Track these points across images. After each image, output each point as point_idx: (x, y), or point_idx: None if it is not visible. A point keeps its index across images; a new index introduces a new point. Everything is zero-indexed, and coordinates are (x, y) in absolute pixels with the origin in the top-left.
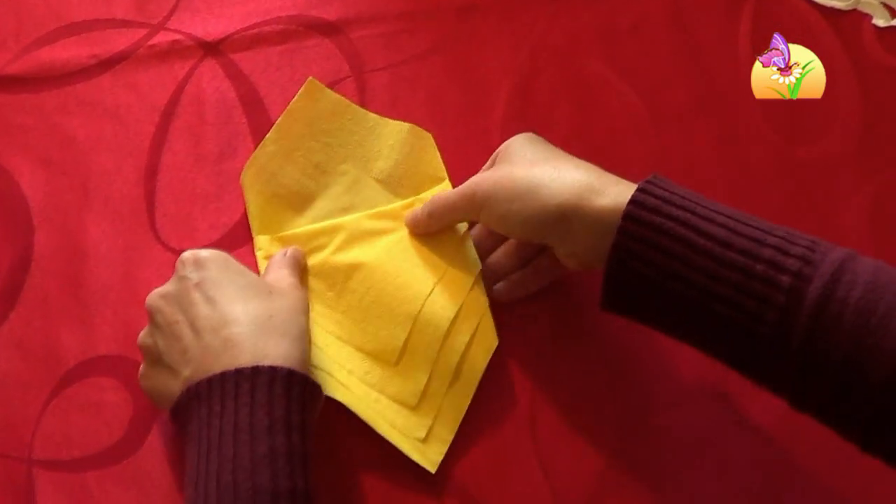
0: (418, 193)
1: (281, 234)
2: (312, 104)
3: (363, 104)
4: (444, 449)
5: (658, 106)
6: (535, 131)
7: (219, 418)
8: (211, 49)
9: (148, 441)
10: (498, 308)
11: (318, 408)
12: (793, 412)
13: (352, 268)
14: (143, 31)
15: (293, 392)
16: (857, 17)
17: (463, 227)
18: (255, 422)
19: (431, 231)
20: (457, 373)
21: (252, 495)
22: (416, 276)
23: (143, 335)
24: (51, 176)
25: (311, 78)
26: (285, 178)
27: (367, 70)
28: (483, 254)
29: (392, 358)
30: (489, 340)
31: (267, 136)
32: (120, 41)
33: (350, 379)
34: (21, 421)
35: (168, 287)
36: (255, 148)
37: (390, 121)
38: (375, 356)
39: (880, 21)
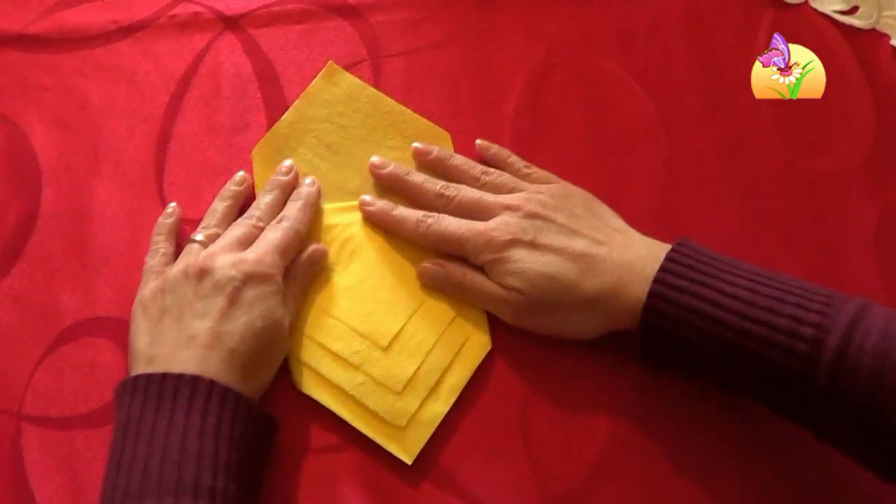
0: None
1: None
2: (330, 87)
3: (377, 88)
4: (424, 440)
5: (669, 109)
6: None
7: (154, 412)
8: (231, 23)
9: None
10: None
11: (262, 433)
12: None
13: (356, 250)
14: (165, 1)
15: (229, 407)
16: (875, 36)
17: None
18: (189, 424)
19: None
20: (446, 370)
21: (175, 487)
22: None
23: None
24: (63, 136)
25: (330, 61)
26: (296, 157)
27: (383, 55)
28: None
29: (384, 342)
30: (483, 343)
31: (283, 116)
32: (142, 9)
33: (333, 366)
34: (14, 375)
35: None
36: (268, 124)
37: (408, 111)
38: (366, 336)
39: None
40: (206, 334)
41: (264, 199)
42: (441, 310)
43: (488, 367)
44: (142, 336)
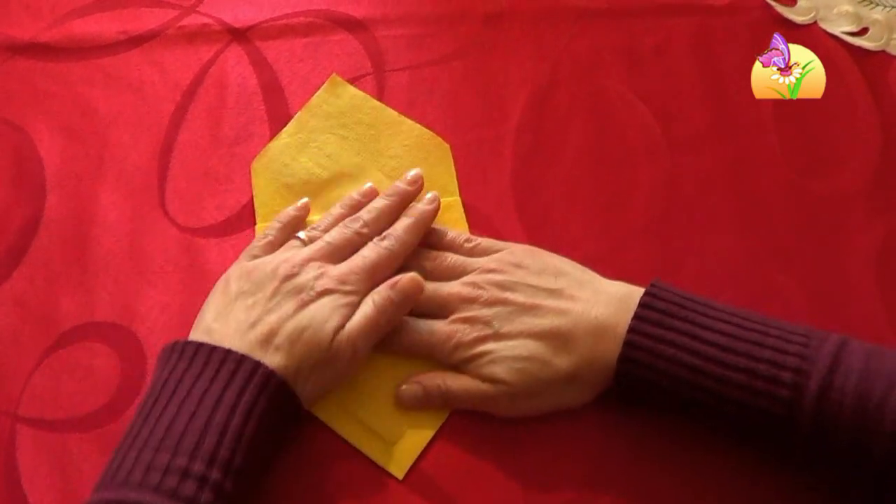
0: None
1: None
2: (333, 99)
3: (381, 102)
4: (416, 454)
5: (673, 129)
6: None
7: (194, 378)
8: (238, 35)
9: (131, 411)
10: None
11: (289, 415)
12: None
13: None
14: (174, 13)
15: (268, 391)
16: (884, 59)
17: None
18: (224, 397)
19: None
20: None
21: (192, 450)
22: None
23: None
24: (69, 143)
25: (334, 74)
26: (296, 167)
27: (388, 69)
28: None
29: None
30: None
31: (284, 128)
32: (151, 20)
33: None
34: (12, 376)
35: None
36: (271, 135)
37: (409, 121)
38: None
39: None
40: (266, 327)
41: (378, 203)
42: None
43: None
44: (212, 308)
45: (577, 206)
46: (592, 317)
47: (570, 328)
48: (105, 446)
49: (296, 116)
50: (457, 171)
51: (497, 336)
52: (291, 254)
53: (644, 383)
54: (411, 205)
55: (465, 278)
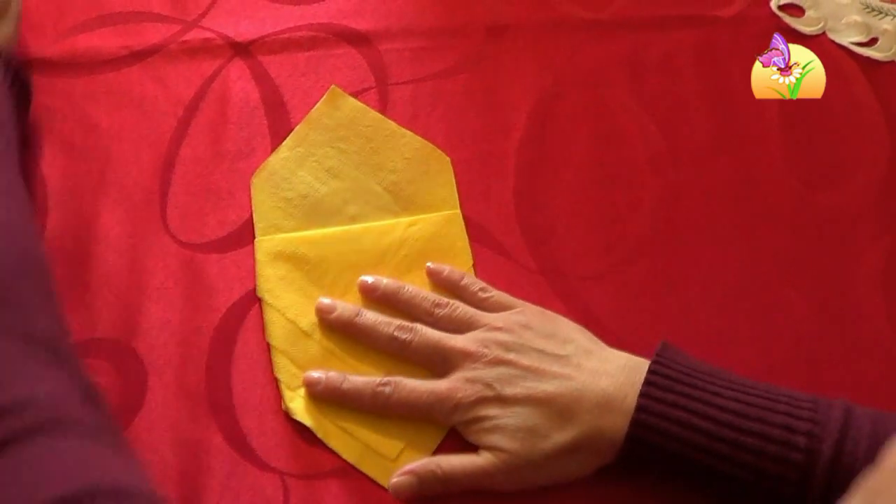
0: (426, 213)
1: (284, 235)
2: (333, 112)
3: (383, 115)
4: None
5: (678, 141)
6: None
7: None
8: (241, 50)
9: (132, 427)
10: None
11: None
12: None
13: (350, 283)
14: (176, 27)
15: None
16: (893, 70)
17: (466, 265)
18: None
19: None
20: None
21: None
22: None
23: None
24: (71, 160)
25: (333, 86)
26: (296, 181)
27: (390, 83)
28: None
29: (377, 372)
30: None
31: (284, 142)
32: (153, 35)
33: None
34: None
35: None
36: (272, 150)
37: (410, 133)
38: (357, 370)
39: None
40: None
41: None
42: None
43: None
44: None
45: (580, 220)
46: (599, 388)
47: (575, 397)
48: None
49: (295, 130)
50: (459, 184)
51: (499, 399)
52: None
53: (655, 449)
54: None
55: (472, 334)
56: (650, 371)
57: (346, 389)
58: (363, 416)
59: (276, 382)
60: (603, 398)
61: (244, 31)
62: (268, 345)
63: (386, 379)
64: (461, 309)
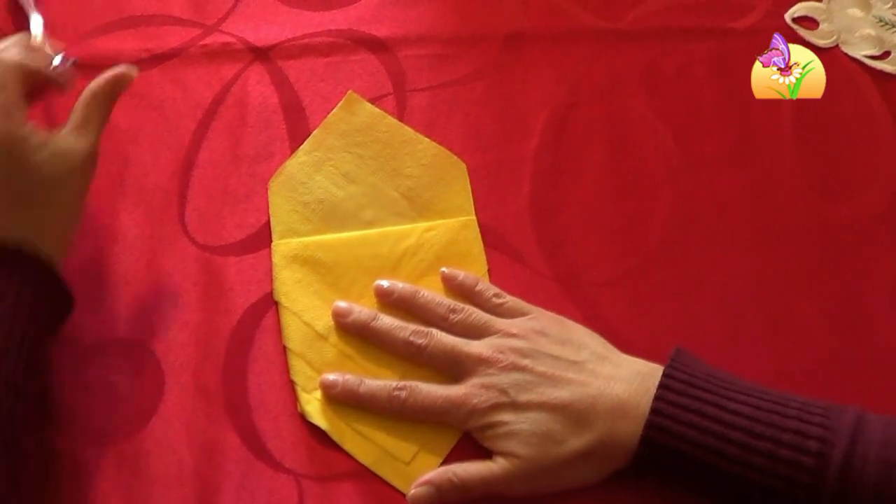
0: (442, 219)
1: (300, 239)
2: (350, 117)
3: (400, 122)
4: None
5: (693, 151)
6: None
7: None
8: (260, 54)
9: (149, 427)
10: None
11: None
12: None
13: (366, 286)
14: (196, 31)
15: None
16: None
17: (481, 271)
18: None
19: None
20: None
21: None
22: None
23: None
24: None
25: (350, 91)
26: (313, 185)
27: (408, 89)
28: None
29: (393, 376)
30: None
31: (301, 146)
32: (174, 38)
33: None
34: None
35: None
36: (290, 154)
37: (426, 139)
38: (372, 373)
39: None
40: None
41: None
42: None
43: None
44: None
45: (595, 228)
46: (614, 394)
47: (589, 403)
48: (122, 462)
49: (312, 134)
50: (475, 191)
51: (514, 405)
52: None
53: (668, 452)
54: None
55: (487, 340)
56: (665, 375)
57: (363, 393)
58: (378, 419)
59: (291, 385)
60: (617, 404)
61: (264, 35)
62: (284, 347)
63: (402, 383)
64: (476, 315)
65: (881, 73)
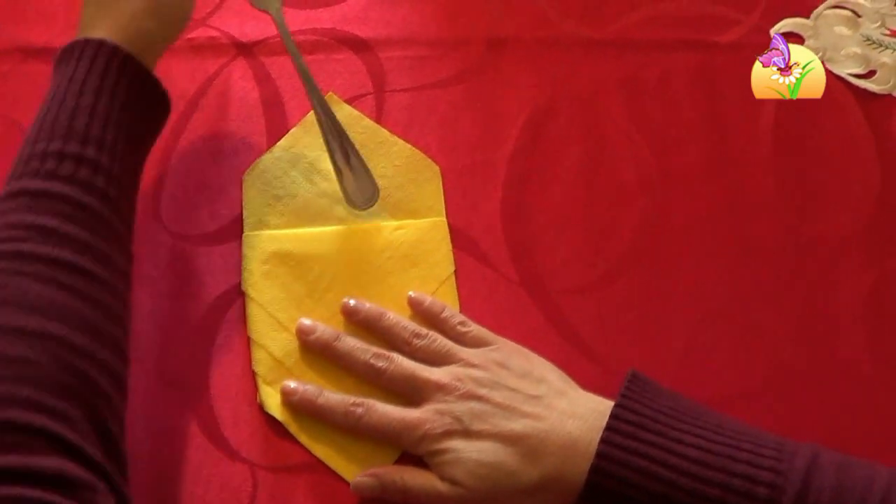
0: (413, 219)
1: (271, 232)
2: None
3: (379, 122)
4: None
5: (669, 163)
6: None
7: (63, 73)
8: (244, 49)
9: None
10: None
11: (153, 101)
12: None
13: (333, 280)
14: None
15: (126, 72)
16: (889, 102)
17: (447, 272)
18: (86, 82)
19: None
20: None
21: (65, 133)
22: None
23: None
24: None
25: (330, 92)
26: (286, 180)
27: (388, 90)
28: None
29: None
30: None
31: (278, 142)
32: None
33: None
34: None
35: None
36: (267, 149)
37: (401, 141)
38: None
39: None
40: None
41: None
42: None
43: None
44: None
45: (565, 234)
46: (566, 431)
47: (541, 438)
48: None
49: (290, 132)
50: (448, 193)
51: (466, 433)
52: None
53: (615, 496)
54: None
55: (447, 368)
56: (612, 416)
57: (320, 404)
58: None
59: (253, 376)
60: (568, 441)
61: (249, 31)
62: (248, 338)
63: (360, 399)
64: (439, 342)
65: (865, 91)
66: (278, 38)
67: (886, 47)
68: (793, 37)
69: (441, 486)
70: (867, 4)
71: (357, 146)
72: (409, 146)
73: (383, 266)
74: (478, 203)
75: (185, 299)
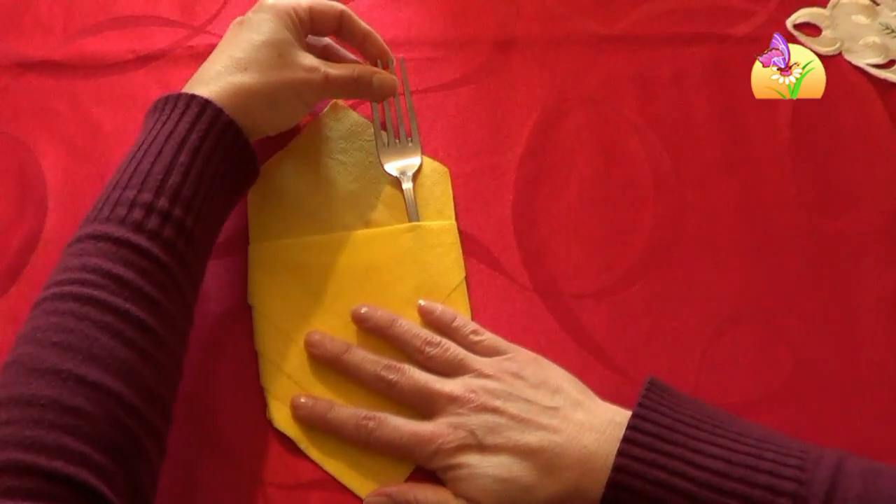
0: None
1: (277, 242)
2: (334, 124)
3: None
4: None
5: (684, 161)
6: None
7: (160, 124)
8: None
9: None
10: None
11: (243, 166)
12: None
13: (341, 289)
14: (183, 32)
15: (218, 129)
16: None
17: (458, 278)
18: (176, 135)
19: None
20: None
21: (142, 181)
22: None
23: None
24: (73, 162)
25: (336, 100)
26: (292, 189)
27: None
28: None
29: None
30: None
31: (283, 150)
32: (160, 39)
33: None
34: None
35: None
36: (271, 157)
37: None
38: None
39: None
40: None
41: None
42: None
43: None
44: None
45: (578, 238)
46: (583, 444)
47: (558, 452)
48: None
49: (295, 139)
50: (457, 197)
51: (480, 447)
52: None
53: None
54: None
55: (460, 380)
56: (629, 427)
57: (331, 419)
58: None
59: (261, 391)
60: (585, 455)
61: None
62: (255, 353)
63: (371, 413)
64: (452, 350)
65: (885, 82)
66: None
67: None
68: (809, 27)
69: (455, 502)
70: None
71: (364, 154)
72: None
73: (392, 272)
74: (488, 207)
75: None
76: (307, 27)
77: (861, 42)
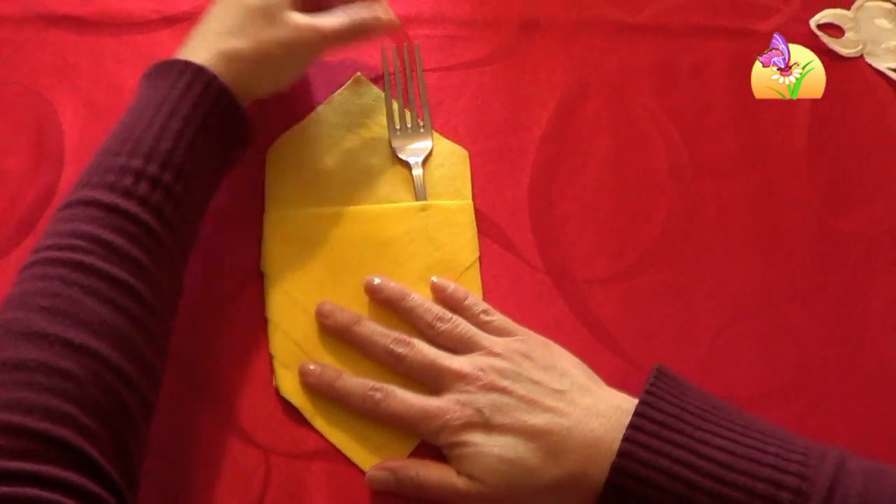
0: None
1: (293, 211)
2: (355, 98)
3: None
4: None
5: (701, 152)
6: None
7: (151, 90)
8: None
9: None
10: None
11: (234, 132)
12: None
13: (354, 261)
14: None
15: (211, 94)
16: None
17: (472, 257)
18: (167, 101)
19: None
20: None
21: (133, 148)
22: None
23: None
24: (91, 118)
25: (358, 73)
26: (311, 159)
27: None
28: None
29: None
30: None
31: (303, 120)
32: (186, 1)
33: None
34: None
35: None
36: (290, 125)
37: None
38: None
39: None
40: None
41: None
42: None
43: None
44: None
45: (593, 223)
46: (589, 429)
47: (564, 435)
48: None
49: (316, 110)
50: (475, 177)
51: (486, 426)
52: None
53: (636, 497)
54: None
55: (469, 357)
56: (636, 413)
57: (339, 387)
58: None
59: (268, 359)
60: (591, 439)
61: None
62: (265, 320)
63: (379, 385)
64: (462, 327)
65: None
66: None
67: None
68: (833, 28)
69: (458, 482)
70: None
71: (381, 129)
72: (435, 134)
73: (407, 249)
74: (505, 188)
75: (202, 279)
76: None
77: (883, 46)
